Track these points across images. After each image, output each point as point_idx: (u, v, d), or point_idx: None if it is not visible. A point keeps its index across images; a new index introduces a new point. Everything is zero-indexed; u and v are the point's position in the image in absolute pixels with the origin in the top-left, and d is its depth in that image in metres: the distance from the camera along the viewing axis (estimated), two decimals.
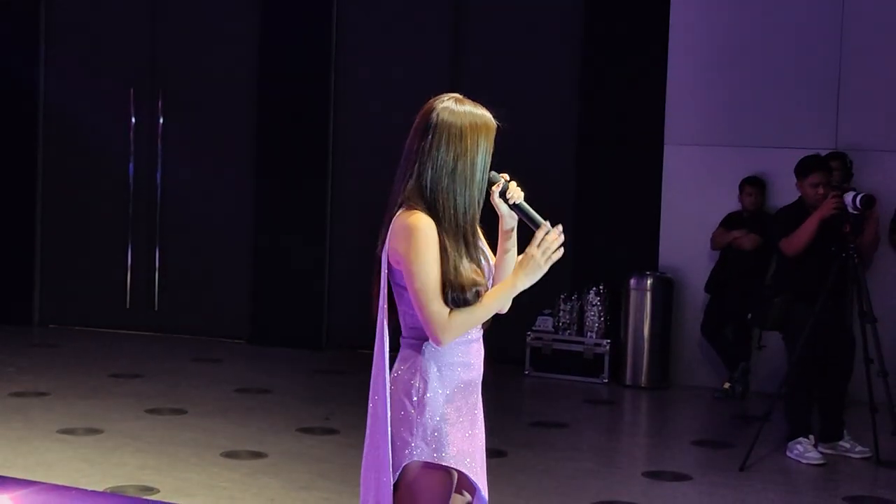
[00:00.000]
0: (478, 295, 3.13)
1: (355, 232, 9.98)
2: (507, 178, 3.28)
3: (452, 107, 3.19)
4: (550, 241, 3.14)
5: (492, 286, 3.24)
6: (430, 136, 3.16)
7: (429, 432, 3.15)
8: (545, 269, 3.15)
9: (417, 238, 3.09)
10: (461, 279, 3.11)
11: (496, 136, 3.24)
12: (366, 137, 9.93)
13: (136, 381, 8.62)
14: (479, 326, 3.26)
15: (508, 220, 3.29)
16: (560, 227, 3.17)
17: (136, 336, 10.53)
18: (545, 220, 3.20)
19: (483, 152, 3.19)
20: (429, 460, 3.15)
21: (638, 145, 9.32)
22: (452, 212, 3.14)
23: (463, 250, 3.14)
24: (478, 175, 3.18)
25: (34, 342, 10.32)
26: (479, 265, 3.19)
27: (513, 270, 3.21)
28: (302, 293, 10.20)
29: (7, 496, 5.51)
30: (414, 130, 3.21)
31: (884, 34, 8.74)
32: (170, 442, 6.83)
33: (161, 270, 10.72)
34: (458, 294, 3.10)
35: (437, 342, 3.13)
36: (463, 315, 3.11)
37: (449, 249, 3.11)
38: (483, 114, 3.22)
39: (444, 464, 3.16)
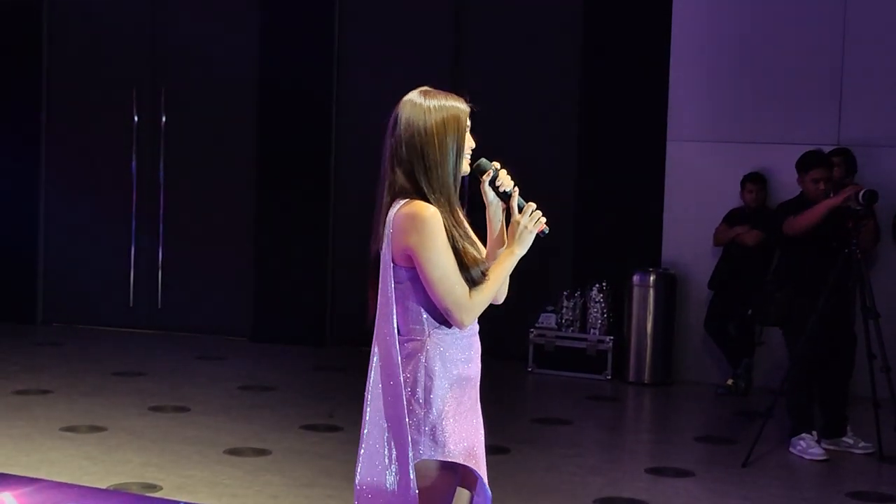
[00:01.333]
0: (483, 273, 3.17)
1: (358, 228, 9.90)
2: (499, 167, 3.29)
3: (416, 99, 3.23)
4: (534, 210, 3.26)
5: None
6: (399, 129, 3.21)
7: (437, 430, 3.15)
8: (533, 235, 3.26)
9: (427, 226, 3.10)
10: (467, 258, 3.14)
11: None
12: (368, 135, 9.83)
13: (140, 379, 8.62)
14: (477, 321, 3.27)
15: (495, 208, 3.33)
16: (533, 205, 3.29)
17: (140, 334, 10.54)
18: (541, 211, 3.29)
19: (452, 136, 3.20)
20: (436, 458, 3.15)
21: (640, 142, 9.32)
22: (431, 192, 3.16)
23: (457, 230, 3.16)
24: (449, 156, 3.19)
25: (37, 340, 10.32)
26: (472, 243, 3.22)
27: (507, 243, 3.28)
28: (304, 290, 10.21)
29: (11, 493, 5.51)
30: (388, 128, 3.26)
31: (886, 30, 8.73)
32: (173, 439, 6.84)
33: (164, 268, 10.73)
34: (466, 274, 3.14)
35: (462, 325, 3.17)
36: (478, 294, 3.16)
37: (450, 231, 3.14)
38: (451, 104, 3.23)
39: (451, 460, 3.16)
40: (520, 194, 3.30)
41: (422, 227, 3.10)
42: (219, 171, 10.55)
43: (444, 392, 3.18)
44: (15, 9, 10.89)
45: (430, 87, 3.30)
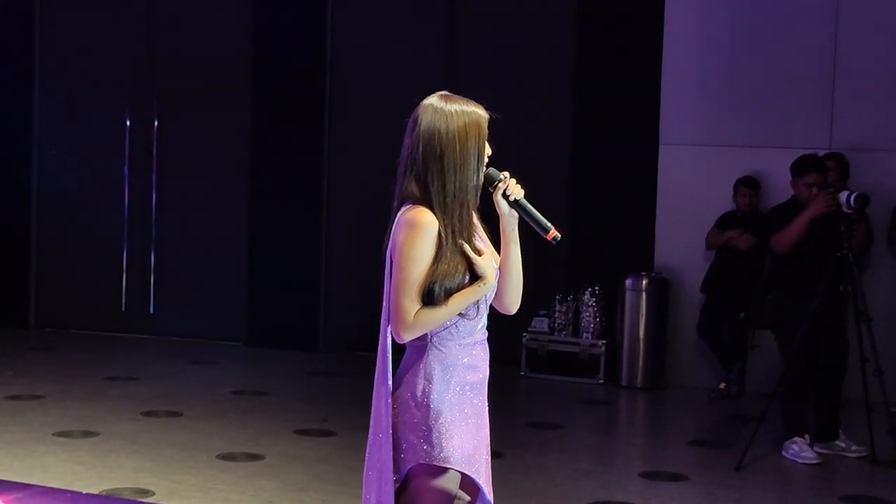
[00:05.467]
0: (446, 294, 3.12)
1: (352, 233, 9.99)
2: (507, 175, 3.27)
3: (436, 103, 3.21)
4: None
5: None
6: (418, 131, 3.17)
7: (434, 434, 3.14)
8: (516, 218, 3.25)
9: (414, 231, 3.10)
10: (441, 277, 3.10)
11: (493, 128, 3.25)
12: (362, 136, 9.93)
13: (132, 384, 8.61)
14: (485, 329, 3.27)
15: (510, 219, 3.26)
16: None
17: (132, 339, 10.53)
18: (546, 218, 3.25)
19: (473, 142, 3.19)
20: (434, 462, 3.14)
21: (633, 145, 9.33)
22: (442, 197, 3.13)
23: (451, 242, 3.13)
24: (471, 160, 3.18)
25: (30, 345, 10.31)
26: (466, 262, 3.17)
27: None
28: (298, 295, 10.20)
29: (3, 499, 5.50)
30: (406, 131, 3.23)
31: (878, 33, 8.75)
32: (166, 444, 6.83)
33: (157, 273, 10.72)
34: (429, 291, 3.10)
35: (398, 337, 3.13)
36: (427, 314, 3.10)
37: (444, 248, 3.11)
38: (473, 110, 3.23)
39: (448, 466, 3.15)
40: (524, 196, 3.28)
41: (411, 230, 3.10)
42: (211, 175, 10.53)
43: (442, 396, 3.17)
44: (8, 9, 10.87)
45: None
